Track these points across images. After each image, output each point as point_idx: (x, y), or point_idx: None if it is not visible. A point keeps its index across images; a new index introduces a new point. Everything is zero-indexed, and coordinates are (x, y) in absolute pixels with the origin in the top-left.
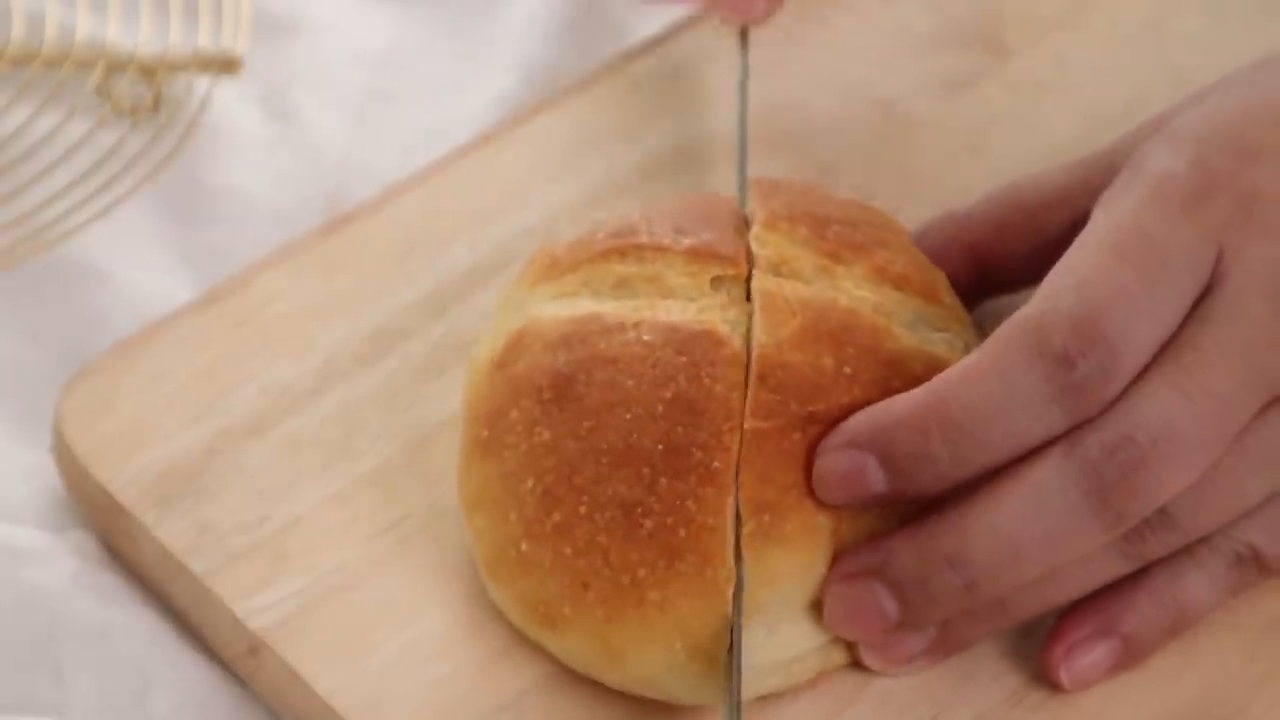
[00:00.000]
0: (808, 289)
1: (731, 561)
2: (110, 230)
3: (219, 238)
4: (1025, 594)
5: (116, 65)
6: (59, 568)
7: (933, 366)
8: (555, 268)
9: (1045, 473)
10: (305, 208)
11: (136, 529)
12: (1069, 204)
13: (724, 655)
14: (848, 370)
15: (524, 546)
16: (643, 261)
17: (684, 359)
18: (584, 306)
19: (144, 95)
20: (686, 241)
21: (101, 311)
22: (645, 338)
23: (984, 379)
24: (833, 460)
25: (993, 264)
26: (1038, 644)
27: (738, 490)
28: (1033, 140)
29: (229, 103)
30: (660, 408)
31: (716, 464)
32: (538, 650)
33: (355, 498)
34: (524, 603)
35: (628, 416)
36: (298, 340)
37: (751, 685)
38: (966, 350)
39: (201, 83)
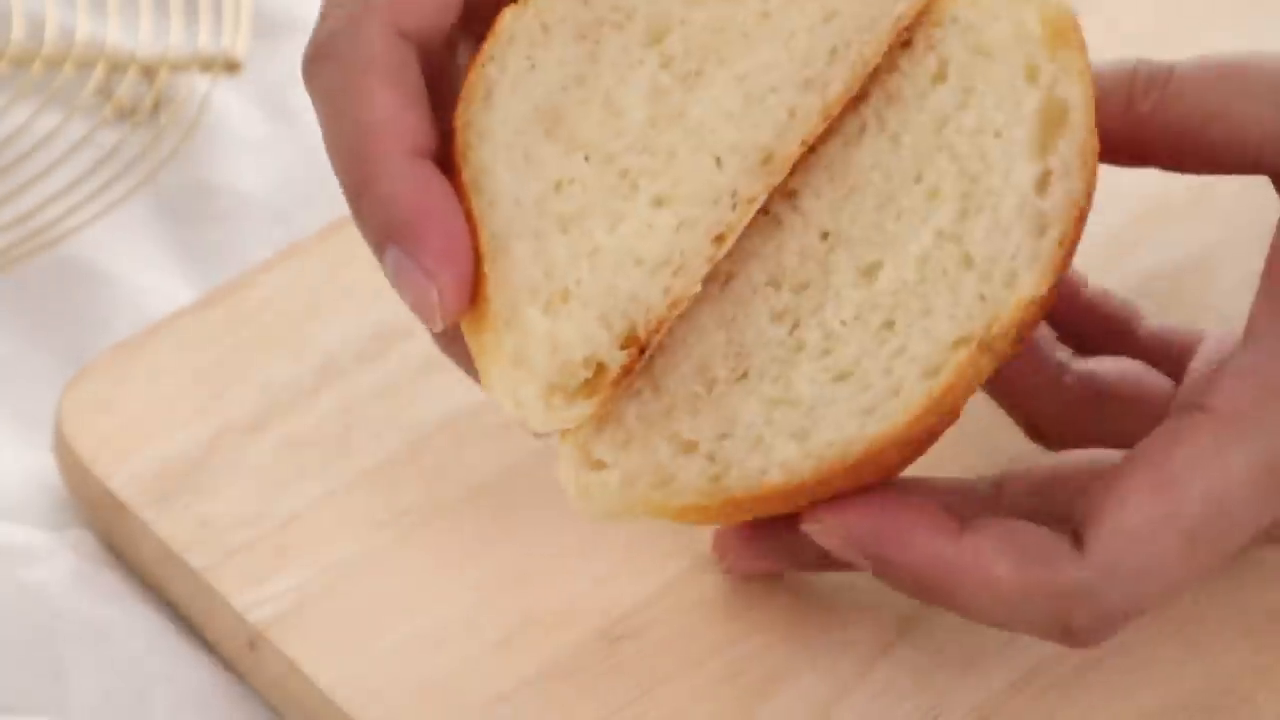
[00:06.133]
0: None
1: None
2: (110, 230)
3: (219, 238)
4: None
5: (117, 66)
6: (59, 566)
7: None
8: None
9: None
10: (305, 208)
11: (136, 526)
12: None
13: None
14: None
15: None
16: None
17: None
18: None
19: (144, 95)
20: None
21: (101, 311)
22: None
23: (997, 596)
24: (820, 534)
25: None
26: None
27: None
28: None
29: (229, 103)
30: None
31: None
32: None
33: (355, 493)
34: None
35: None
36: (298, 340)
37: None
38: None
39: (201, 83)
